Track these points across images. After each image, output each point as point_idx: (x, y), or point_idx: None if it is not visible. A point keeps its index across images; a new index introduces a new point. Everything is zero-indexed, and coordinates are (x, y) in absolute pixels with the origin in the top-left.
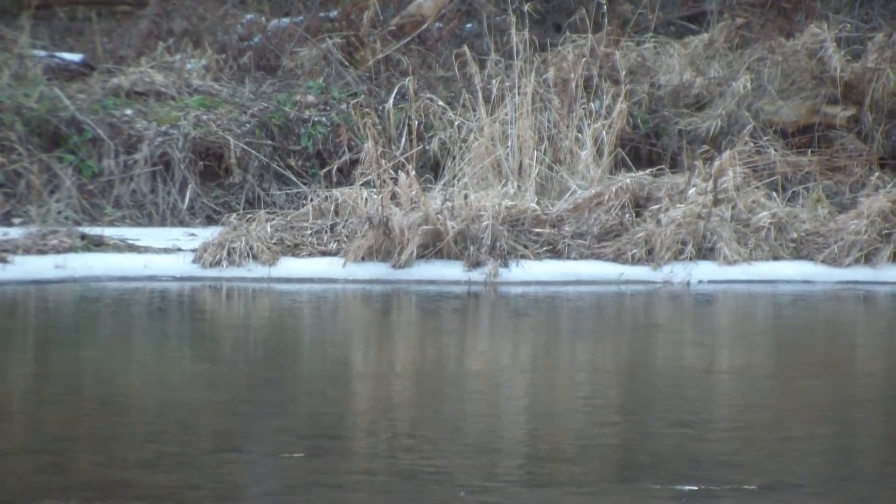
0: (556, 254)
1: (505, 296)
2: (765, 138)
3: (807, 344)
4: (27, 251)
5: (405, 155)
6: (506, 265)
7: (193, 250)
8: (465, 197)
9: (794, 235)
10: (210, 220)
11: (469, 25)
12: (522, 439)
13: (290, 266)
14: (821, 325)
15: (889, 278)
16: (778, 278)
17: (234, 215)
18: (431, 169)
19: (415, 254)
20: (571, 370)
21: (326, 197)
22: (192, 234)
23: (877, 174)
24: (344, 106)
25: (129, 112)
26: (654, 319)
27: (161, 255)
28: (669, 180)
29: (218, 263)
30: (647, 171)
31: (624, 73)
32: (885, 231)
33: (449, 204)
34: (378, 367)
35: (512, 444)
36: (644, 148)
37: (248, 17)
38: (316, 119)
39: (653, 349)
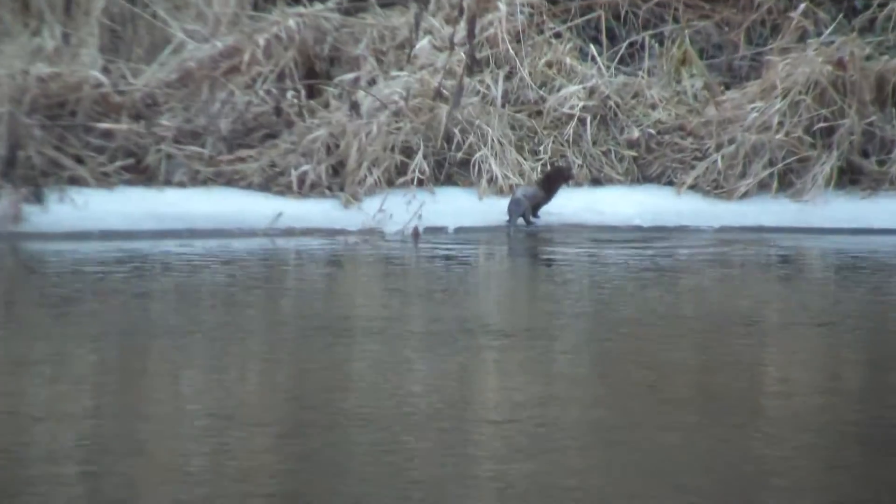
0: (144, 175)
1: (28, 261)
2: None
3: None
4: None
5: None
6: (39, 199)
7: None
8: None
9: (635, 134)
10: None
11: None
12: None
13: None
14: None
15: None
16: (600, 221)
17: None
18: None
19: None
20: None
21: None
22: None
23: (803, 7)
24: None
25: None
26: (331, 320)
27: None
28: (378, 23)
29: None
30: (331, 1)
31: None
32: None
33: None
34: None
35: None
36: None
37: None
38: None
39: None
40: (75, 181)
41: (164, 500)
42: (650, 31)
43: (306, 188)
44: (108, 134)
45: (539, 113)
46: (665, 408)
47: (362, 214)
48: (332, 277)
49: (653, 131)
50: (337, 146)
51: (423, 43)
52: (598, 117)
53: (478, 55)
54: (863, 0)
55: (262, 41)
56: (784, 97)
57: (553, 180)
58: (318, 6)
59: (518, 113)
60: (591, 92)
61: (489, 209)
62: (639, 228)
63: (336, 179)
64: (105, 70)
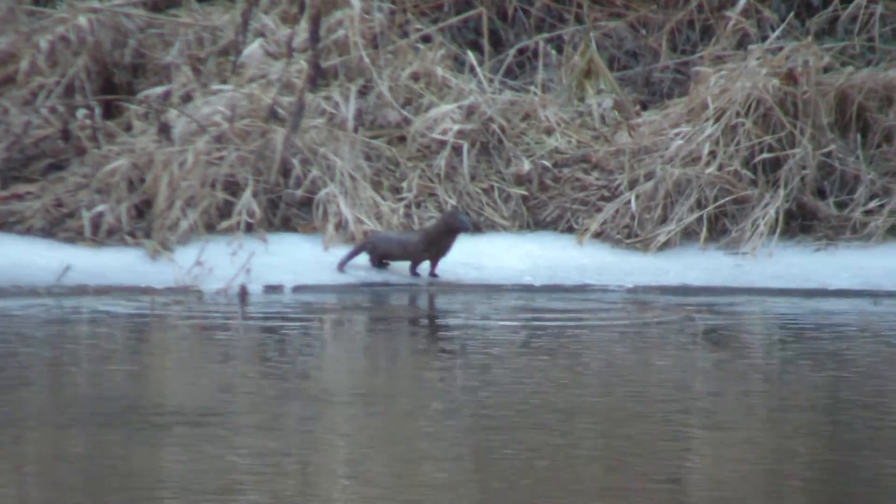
0: None
1: None
2: None
3: None
4: None
5: None
6: None
7: None
8: None
9: (525, 168)
10: None
11: None
12: None
13: None
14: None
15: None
16: (478, 279)
17: None
18: None
19: None
20: None
21: None
22: None
23: (743, 4)
24: None
25: None
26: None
27: None
28: (196, 22)
29: None
30: None
31: None
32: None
33: None
34: None
35: None
36: None
37: None
38: None
39: None
40: None
41: None
42: (545, 35)
43: (102, 234)
44: None
45: (402, 139)
46: None
47: (174, 268)
48: (126, 353)
49: (548, 164)
50: (142, 180)
51: (252, 48)
52: (478, 145)
53: (323, 64)
54: None
55: (44, 44)
56: (717, 120)
57: (440, 230)
58: None
59: (375, 139)
60: (470, 112)
61: (337, 262)
62: (529, 288)
63: (141, 223)
64: None
